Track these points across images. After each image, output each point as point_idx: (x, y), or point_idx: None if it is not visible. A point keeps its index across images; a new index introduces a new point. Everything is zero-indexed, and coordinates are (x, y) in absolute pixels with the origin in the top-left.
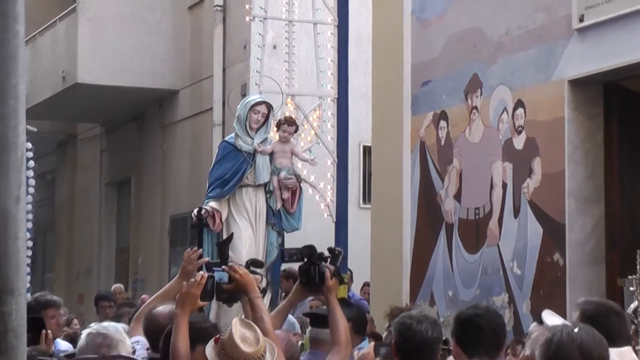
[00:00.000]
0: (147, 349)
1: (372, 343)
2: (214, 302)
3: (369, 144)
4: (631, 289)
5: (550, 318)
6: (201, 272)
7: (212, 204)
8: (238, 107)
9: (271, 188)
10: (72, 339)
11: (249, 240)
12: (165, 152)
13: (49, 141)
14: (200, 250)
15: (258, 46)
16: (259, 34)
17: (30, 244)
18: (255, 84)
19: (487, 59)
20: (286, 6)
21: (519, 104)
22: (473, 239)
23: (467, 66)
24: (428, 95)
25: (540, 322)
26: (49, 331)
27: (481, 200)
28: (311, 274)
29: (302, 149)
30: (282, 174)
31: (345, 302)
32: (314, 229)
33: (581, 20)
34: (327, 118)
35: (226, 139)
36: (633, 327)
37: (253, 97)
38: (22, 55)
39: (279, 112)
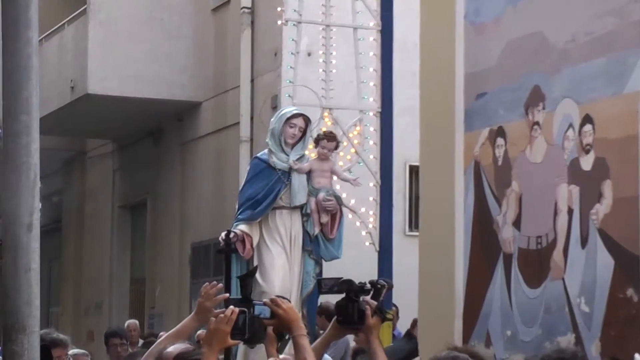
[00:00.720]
0: None
1: None
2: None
3: (416, 164)
4: None
5: None
6: (231, 307)
7: (242, 227)
8: (272, 119)
9: (308, 211)
10: None
11: (282, 269)
12: (185, 172)
13: (54, 159)
14: (220, 285)
15: (291, 53)
16: (292, 39)
17: None
18: (288, 95)
19: (551, 68)
20: (323, 9)
21: (587, 119)
22: (534, 272)
23: (528, 77)
24: (483, 110)
25: None
26: None
27: (544, 228)
28: (349, 312)
29: (340, 168)
30: (321, 195)
31: (408, 335)
32: (354, 259)
33: None
34: (369, 134)
35: (258, 155)
36: None
37: (289, 108)
38: (35, 65)
39: (316, 126)
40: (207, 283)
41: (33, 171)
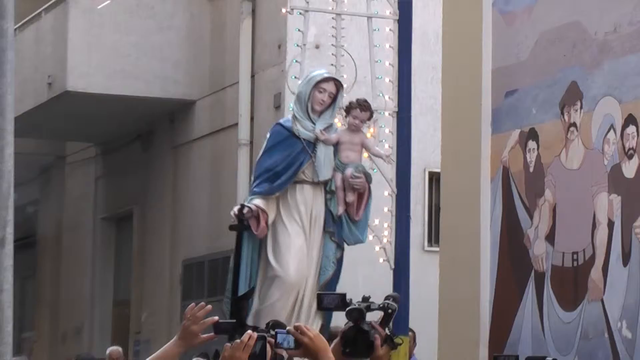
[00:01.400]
0: None
1: None
2: None
3: (437, 170)
4: None
5: None
6: (249, 332)
7: (258, 201)
8: (299, 82)
9: (333, 187)
10: None
11: (299, 251)
12: (177, 180)
13: (30, 165)
14: (209, 307)
15: (297, 45)
16: (298, 30)
17: None
18: (293, 93)
19: (590, 63)
20: (333, 4)
21: (630, 120)
22: (570, 292)
23: (564, 72)
24: (513, 109)
25: None
26: None
27: (581, 243)
28: (358, 344)
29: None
30: (349, 171)
31: None
32: (366, 278)
33: None
34: (385, 137)
35: (281, 121)
36: None
37: (319, 71)
38: (11, 59)
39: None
40: (193, 304)
41: (6, 180)
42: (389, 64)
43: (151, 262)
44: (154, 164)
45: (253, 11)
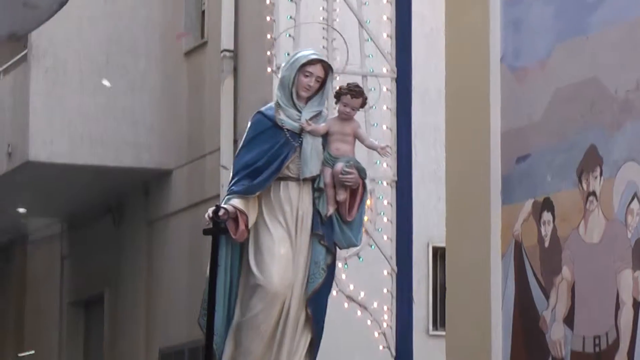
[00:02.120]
0: None
1: None
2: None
3: (442, 245)
4: None
5: None
6: None
7: (236, 202)
8: (283, 65)
9: (321, 185)
10: None
11: (284, 257)
12: (153, 258)
13: None
14: None
15: None
16: None
17: None
18: None
19: (610, 124)
20: (324, 51)
21: None
22: None
23: (582, 134)
24: (526, 176)
25: None
26: None
27: (603, 326)
28: None
29: (346, 253)
30: (339, 166)
31: None
32: None
33: None
34: (383, 209)
35: (262, 109)
36: None
37: (305, 52)
38: None
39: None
40: None
41: None
42: (387, 127)
43: (124, 351)
44: (127, 240)
45: (235, 69)
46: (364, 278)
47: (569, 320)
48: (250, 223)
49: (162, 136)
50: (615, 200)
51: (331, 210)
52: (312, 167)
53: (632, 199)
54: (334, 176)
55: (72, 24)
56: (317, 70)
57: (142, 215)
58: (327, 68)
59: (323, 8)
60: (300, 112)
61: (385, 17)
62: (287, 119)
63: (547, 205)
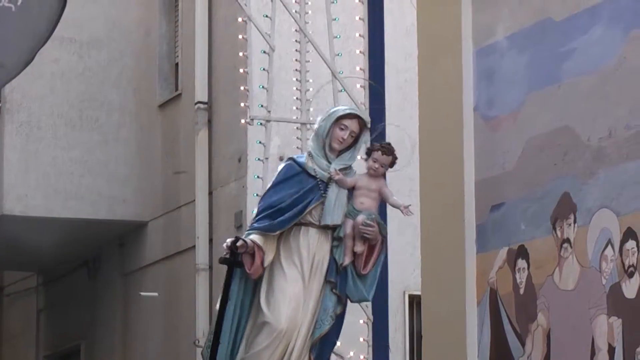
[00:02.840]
0: None
1: None
2: None
3: (419, 293)
4: None
5: None
6: None
7: (255, 237)
8: (319, 118)
9: (341, 234)
10: None
11: (295, 298)
12: (129, 311)
13: None
14: None
15: (258, 159)
16: (259, 142)
17: None
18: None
19: (583, 172)
20: (297, 102)
21: (629, 234)
22: None
23: (555, 183)
24: (500, 225)
25: None
26: None
27: None
28: None
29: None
30: (360, 218)
31: None
32: None
33: None
34: None
35: (294, 156)
36: None
37: (343, 107)
38: None
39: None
40: None
41: None
42: None
43: None
44: (102, 293)
45: (209, 121)
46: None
47: None
48: (267, 262)
49: (136, 188)
50: (589, 247)
51: (347, 260)
52: (335, 216)
53: (606, 245)
54: (354, 228)
55: (45, 80)
56: (353, 125)
57: (117, 267)
58: (363, 125)
59: (296, 59)
60: (330, 163)
61: (358, 68)
62: (317, 168)
63: (521, 252)
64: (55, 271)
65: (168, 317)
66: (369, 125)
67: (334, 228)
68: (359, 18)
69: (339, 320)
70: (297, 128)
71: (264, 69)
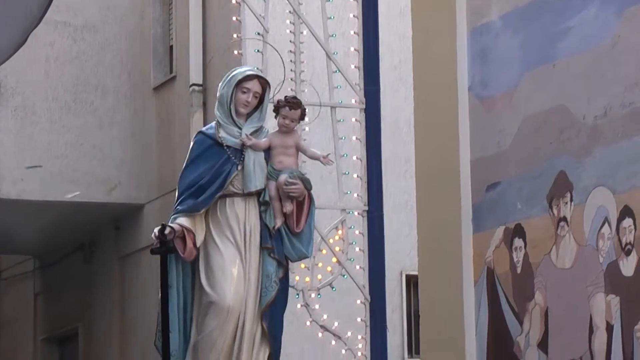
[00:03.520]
0: None
1: None
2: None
3: (415, 273)
4: None
5: None
6: None
7: (182, 220)
8: (220, 84)
9: (267, 198)
10: None
11: (236, 273)
12: (125, 293)
13: None
14: None
15: None
16: None
17: None
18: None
19: (579, 150)
20: (292, 84)
21: (626, 212)
22: None
23: (551, 162)
24: (496, 204)
25: None
26: None
27: (577, 350)
28: None
29: (319, 283)
30: (283, 178)
31: None
32: None
33: None
34: (355, 239)
35: (203, 129)
36: None
37: (241, 69)
38: None
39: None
40: None
41: None
42: (357, 157)
43: None
44: (99, 276)
45: (204, 104)
46: (337, 308)
47: (543, 346)
48: (198, 241)
49: (132, 171)
50: (586, 226)
51: (279, 222)
52: (257, 181)
53: (603, 223)
54: (278, 188)
55: (40, 64)
56: (255, 86)
57: (113, 250)
58: (264, 84)
59: (290, 41)
60: (240, 128)
61: (352, 49)
62: (228, 136)
63: (518, 231)
64: (52, 255)
65: None
66: (269, 83)
67: (258, 193)
68: None
69: (283, 284)
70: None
71: (258, 51)
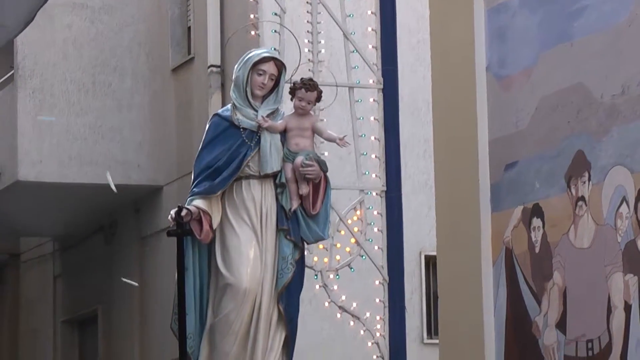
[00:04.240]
0: None
1: None
2: (205, 345)
3: (434, 253)
4: None
5: None
6: None
7: (198, 202)
8: (236, 66)
9: (283, 180)
10: None
11: (252, 255)
12: (145, 275)
13: None
14: None
15: None
16: None
17: None
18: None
19: (597, 129)
20: (310, 64)
21: None
22: None
23: (569, 141)
24: (514, 184)
25: None
26: None
27: (595, 330)
28: None
29: (337, 264)
30: (299, 159)
31: None
32: None
33: None
34: (373, 219)
35: (219, 111)
36: None
37: (257, 51)
38: None
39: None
40: None
41: None
42: (375, 138)
43: None
44: (119, 257)
45: (222, 84)
46: (356, 288)
47: (561, 326)
48: (215, 223)
49: (151, 153)
50: (604, 205)
51: (295, 204)
52: (273, 163)
53: (621, 203)
54: (295, 170)
55: (57, 46)
56: (271, 68)
57: (133, 232)
58: (280, 66)
59: (308, 21)
60: (256, 111)
61: (370, 29)
62: (244, 118)
63: (536, 211)
64: (72, 237)
65: None
66: (285, 65)
67: (274, 175)
68: None
69: (299, 266)
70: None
71: (275, 31)
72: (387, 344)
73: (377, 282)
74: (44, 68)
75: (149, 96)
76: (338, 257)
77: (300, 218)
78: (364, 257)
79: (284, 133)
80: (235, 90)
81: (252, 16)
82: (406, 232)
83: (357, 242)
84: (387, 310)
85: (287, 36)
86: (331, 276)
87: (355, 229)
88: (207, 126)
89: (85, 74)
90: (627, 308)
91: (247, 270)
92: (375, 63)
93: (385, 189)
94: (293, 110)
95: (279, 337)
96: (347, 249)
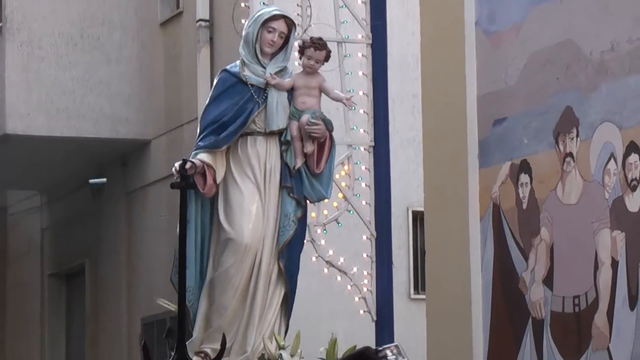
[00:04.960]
0: None
1: None
2: (204, 299)
3: (421, 209)
4: None
5: None
6: None
7: (203, 156)
8: (246, 23)
9: (288, 137)
10: None
11: (254, 210)
12: (132, 229)
13: None
14: None
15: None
16: None
17: None
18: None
19: (586, 85)
20: (299, 19)
21: (632, 148)
22: (572, 341)
23: (557, 97)
24: (502, 140)
25: None
26: None
27: (582, 286)
28: None
29: (325, 218)
30: (305, 118)
31: None
32: (346, 332)
33: None
34: (361, 174)
35: (227, 67)
36: None
37: (268, 8)
38: None
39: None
40: None
41: None
42: (363, 93)
43: (106, 321)
44: (106, 212)
45: (211, 38)
46: (343, 243)
47: (548, 281)
48: (219, 178)
49: (139, 107)
50: (592, 161)
51: (299, 162)
52: (279, 120)
53: (609, 159)
54: (300, 129)
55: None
56: (281, 26)
57: (120, 186)
58: (290, 24)
59: None
60: (264, 68)
61: None
62: (252, 75)
63: (524, 167)
64: (59, 190)
65: (172, 235)
66: (295, 23)
67: (280, 132)
68: None
69: (301, 224)
70: (298, 44)
71: None
72: (374, 299)
73: (364, 237)
74: (32, 21)
75: (138, 50)
76: (326, 212)
77: (304, 176)
78: (351, 212)
79: (291, 91)
80: (245, 47)
81: None
82: (394, 187)
83: (344, 197)
84: (374, 265)
85: None
86: (319, 231)
87: (343, 184)
88: (215, 81)
89: (73, 27)
90: (614, 264)
91: (249, 225)
92: (364, 18)
93: (373, 144)
94: (301, 69)
95: (278, 294)
96: (335, 204)
